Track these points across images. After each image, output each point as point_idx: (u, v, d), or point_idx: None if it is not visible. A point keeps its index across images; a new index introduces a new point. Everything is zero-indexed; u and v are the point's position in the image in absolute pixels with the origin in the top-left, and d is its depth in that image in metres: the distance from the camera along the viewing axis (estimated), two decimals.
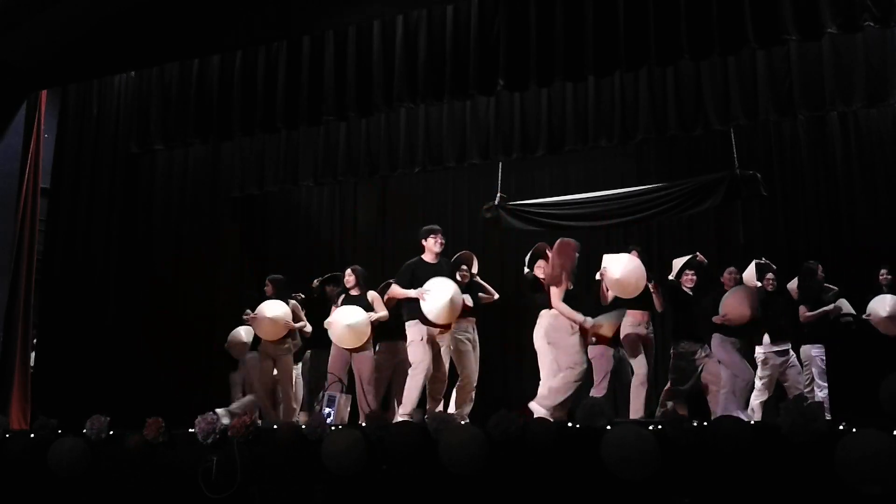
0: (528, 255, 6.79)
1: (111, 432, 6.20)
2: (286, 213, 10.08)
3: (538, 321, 6.28)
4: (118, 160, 8.18)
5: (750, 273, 7.08)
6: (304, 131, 8.51)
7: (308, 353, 7.64)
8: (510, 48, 6.62)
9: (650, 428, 4.87)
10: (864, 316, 6.93)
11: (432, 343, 6.44)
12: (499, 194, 8.82)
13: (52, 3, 7.44)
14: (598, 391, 6.50)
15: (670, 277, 7.12)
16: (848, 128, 8.04)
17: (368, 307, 6.87)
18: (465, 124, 8.20)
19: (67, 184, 8.06)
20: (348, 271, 7.12)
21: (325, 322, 6.83)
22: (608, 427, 4.91)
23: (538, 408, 5.88)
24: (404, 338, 6.59)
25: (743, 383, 6.55)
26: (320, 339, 7.12)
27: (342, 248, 10.22)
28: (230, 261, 9.13)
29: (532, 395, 6.18)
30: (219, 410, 6.28)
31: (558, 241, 6.32)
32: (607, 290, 6.73)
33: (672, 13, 6.20)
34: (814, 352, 6.97)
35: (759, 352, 6.87)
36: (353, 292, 7.03)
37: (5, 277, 7.57)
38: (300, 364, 7.84)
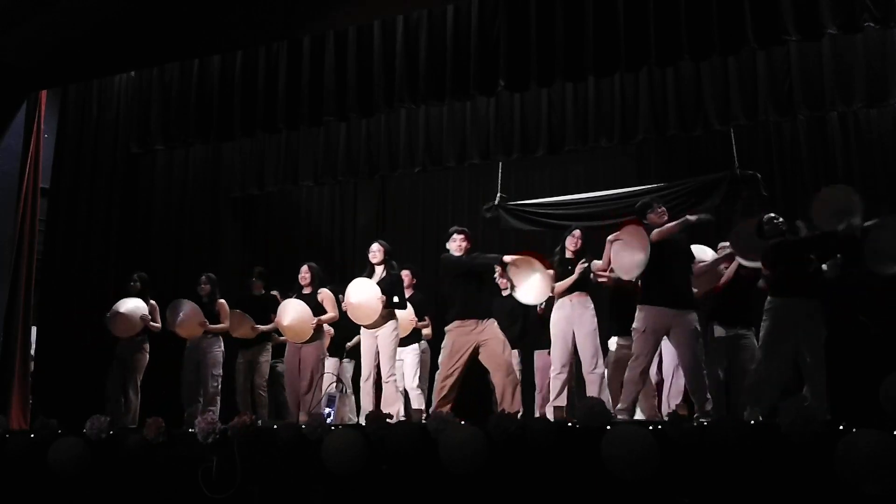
0: None
1: (111, 432, 6.21)
2: (286, 213, 10.08)
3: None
4: (118, 160, 8.17)
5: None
6: (305, 131, 8.51)
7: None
8: (510, 48, 6.63)
9: (650, 428, 4.87)
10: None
11: None
12: (499, 194, 8.83)
13: (51, 4, 7.44)
14: None
15: None
16: (848, 128, 8.03)
17: (318, 306, 6.97)
18: (465, 124, 8.21)
19: (67, 184, 8.06)
20: (304, 268, 7.15)
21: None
22: (608, 427, 4.91)
23: None
24: None
25: None
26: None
27: (342, 248, 10.23)
28: (230, 261, 9.13)
29: None
30: None
31: None
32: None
33: (672, 13, 6.20)
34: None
35: None
36: (306, 290, 7.07)
37: (5, 277, 7.58)
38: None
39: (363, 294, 6.64)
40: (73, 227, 8.00)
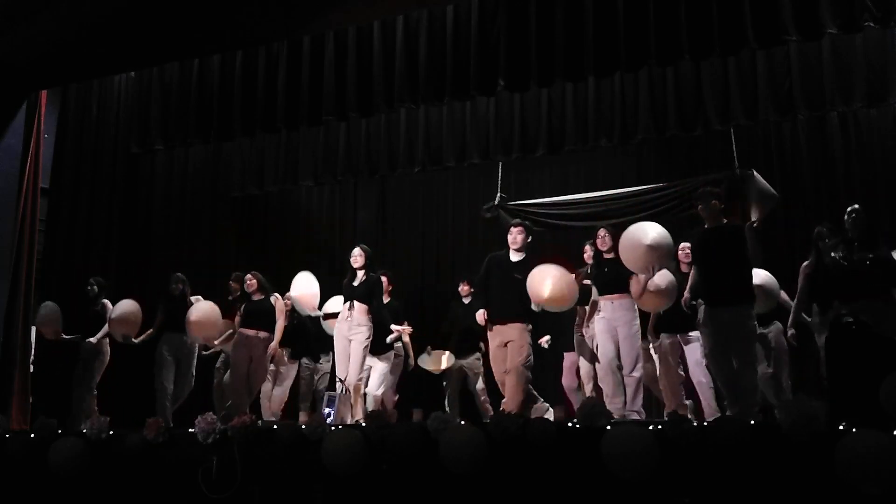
0: None
1: (111, 432, 6.20)
2: (286, 213, 10.08)
3: None
4: (118, 160, 8.20)
5: None
6: (304, 131, 8.52)
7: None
8: (510, 48, 6.63)
9: (650, 428, 4.87)
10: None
11: None
12: (499, 194, 8.83)
13: (51, 3, 7.44)
14: None
15: None
16: (848, 128, 8.04)
17: (271, 312, 7.02)
18: (465, 124, 8.22)
19: (67, 184, 8.07)
20: (248, 276, 7.19)
21: None
22: (608, 427, 4.91)
23: None
24: None
25: None
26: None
27: (342, 248, 10.22)
28: (230, 261, 9.14)
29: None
30: None
31: None
32: None
33: (672, 13, 6.21)
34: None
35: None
36: (255, 297, 7.10)
37: (5, 277, 7.57)
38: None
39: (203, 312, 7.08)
40: (73, 227, 8.01)
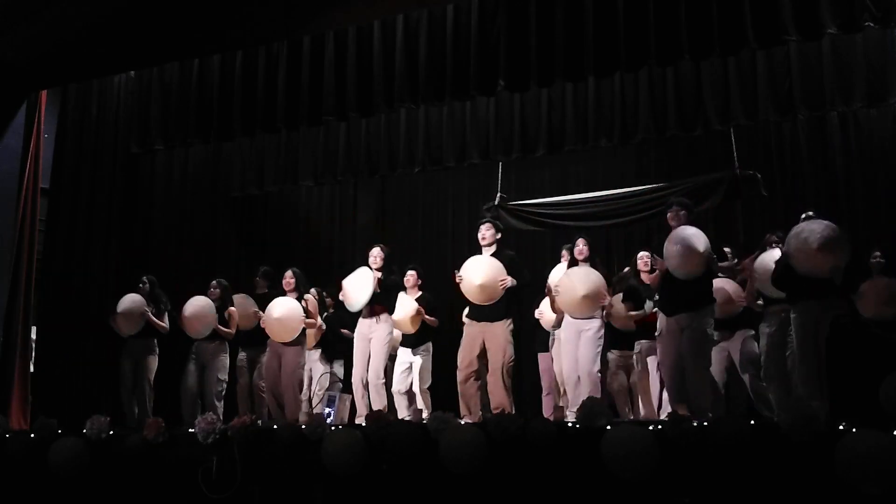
0: None
1: (111, 432, 6.21)
2: (286, 213, 10.08)
3: None
4: (118, 160, 8.19)
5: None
6: (304, 131, 8.52)
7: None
8: (510, 48, 6.63)
9: (650, 428, 4.87)
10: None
11: None
12: (499, 194, 8.83)
13: (51, 3, 7.45)
14: None
15: None
16: (848, 128, 8.04)
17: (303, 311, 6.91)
18: (465, 124, 8.22)
19: (67, 184, 8.06)
20: (288, 273, 7.10)
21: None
22: (608, 427, 4.91)
23: None
24: None
25: None
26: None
27: (342, 248, 10.23)
28: (230, 260, 9.14)
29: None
30: None
31: None
32: None
33: (672, 13, 6.21)
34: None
35: None
36: (290, 295, 7.00)
37: (5, 277, 7.58)
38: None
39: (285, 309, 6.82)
40: (73, 227, 8.00)
